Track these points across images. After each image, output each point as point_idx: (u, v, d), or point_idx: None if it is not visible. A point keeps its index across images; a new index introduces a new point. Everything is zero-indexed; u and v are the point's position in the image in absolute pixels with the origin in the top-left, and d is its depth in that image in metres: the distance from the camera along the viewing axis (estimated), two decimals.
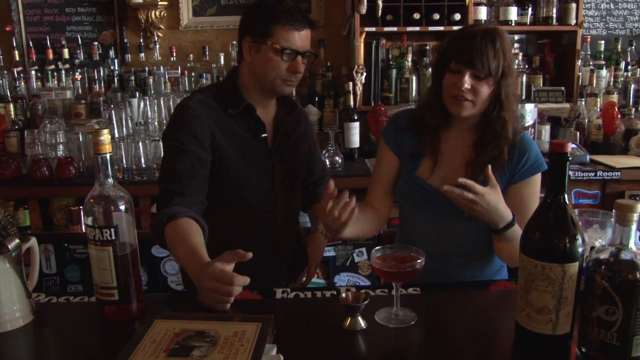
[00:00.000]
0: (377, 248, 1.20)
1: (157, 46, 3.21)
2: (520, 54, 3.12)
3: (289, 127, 1.71)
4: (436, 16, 2.92)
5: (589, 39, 3.18)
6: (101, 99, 2.92)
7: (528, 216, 1.12)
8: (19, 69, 3.11)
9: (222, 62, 3.14)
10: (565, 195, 1.01)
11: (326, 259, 2.63)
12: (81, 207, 2.62)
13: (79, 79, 3.00)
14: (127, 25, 3.27)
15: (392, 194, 1.64)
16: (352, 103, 2.87)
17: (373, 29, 2.93)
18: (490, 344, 1.13)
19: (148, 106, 2.72)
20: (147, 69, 3.13)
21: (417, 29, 2.94)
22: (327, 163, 2.61)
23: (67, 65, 3.11)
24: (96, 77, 3.02)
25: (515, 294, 1.08)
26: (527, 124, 2.70)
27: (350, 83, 2.88)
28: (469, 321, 1.20)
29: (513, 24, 3.00)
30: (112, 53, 3.19)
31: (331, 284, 2.64)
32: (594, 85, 3.03)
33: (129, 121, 2.74)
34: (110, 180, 1.16)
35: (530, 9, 3.03)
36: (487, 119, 1.46)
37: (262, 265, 1.44)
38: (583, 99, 2.98)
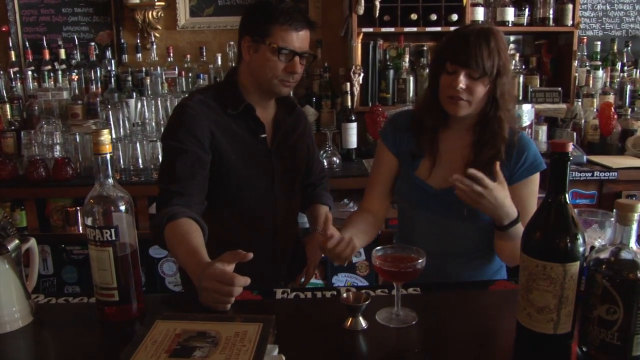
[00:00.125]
0: (377, 248, 1.20)
1: (154, 47, 3.21)
2: (517, 54, 3.13)
3: (288, 128, 1.71)
4: (433, 17, 2.92)
5: (585, 40, 3.19)
6: (98, 99, 2.90)
7: (527, 216, 1.13)
8: (15, 69, 3.09)
9: (220, 62, 3.13)
10: (567, 195, 1.01)
11: (324, 259, 2.61)
12: (78, 208, 2.61)
13: (75, 79, 2.99)
14: (124, 25, 3.26)
15: (390, 195, 1.65)
16: (349, 104, 2.87)
17: (370, 29, 2.93)
18: (491, 344, 1.13)
19: (145, 107, 2.71)
20: (144, 69, 3.12)
21: (415, 29, 2.94)
22: (325, 164, 2.61)
23: (64, 66, 3.10)
24: (93, 78, 3.01)
25: (516, 293, 1.09)
26: (524, 125, 2.71)
27: (348, 84, 2.88)
28: (469, 321, 1.20)
29: (510, 25, 3.01)
30: (109, 53, 3.17)
31: (329, 285, 2.65)
32: (591, 85, 3.05)
33: (126, 122, 2.74)
34: (110, 181, 1.16)
35: (527, 9, 3.04)
36: (484, 119, 1.46)
37: (262, 265, 1.44)
38: (580, 100, 2.99)
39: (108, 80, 3.11)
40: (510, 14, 3.00)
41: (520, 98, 3.04)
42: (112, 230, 1.14)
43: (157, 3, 3.16)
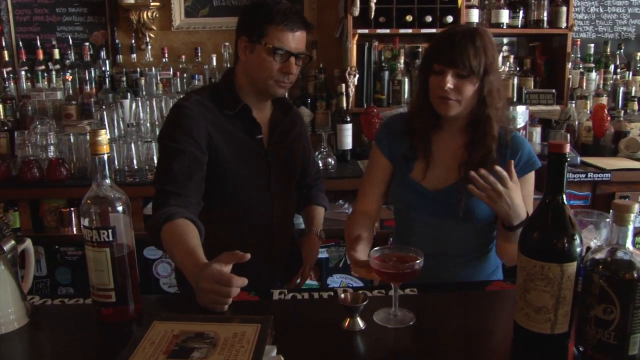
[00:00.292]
0: (375, 249, 1.20)
1: (149, 47, 3.20)
2: (512, 56, 3.14)
3: (284, 129, 1.71)
4: (428, 18, 2.93)
5: (579, 42, 3.22)
6: (92, 100, 2.89)
7: None
8: (9, 69, 3.07)
9: (215, 63, 3.13)
10: (564, 196, 1.02)
11: (319, 260, 2.62)
12: (73, 208, 2.59)
13: (69, 79, 2.98)
14: (119, 25, 3.25)
15: (383, 196, 1.65)
16: (344, 105, 2.88)
17: (366, 30, 2.94)
18: (488, 344, 1.14)
19: (140, 107, 2.71)
20: (138, 70, 3.11)
21: (410, 31, 2.95)
22: (320, 165, 2.61)
23: (58, 66, 3.09)
24: (87, 78, 3.00)
25: (512, 294, 1.09)
26: (518, 126, 2.72)
27: (343, 85, 2.89)
28: (467, 321, 1.20)
29: (504, 27, 3.03)
30: (103, 54, 3.16)
31: (324, 286, 2.64)
32: (584, 87, 3.07)
33: (121, 122, 2.73)
34: (108, 181, 1.15)
35: (521, 12, 3.05)
36: (475, 119, 1.47)
37: (259, 266, 1.43)
38: (573, 102, 3.01)
39: (102, 80, 3.10)
40: (504, 16, 3.01)
41: (515, 100, 3.05)
42: (110, 230, 1.13)
43: (152, 3, 3.15)
